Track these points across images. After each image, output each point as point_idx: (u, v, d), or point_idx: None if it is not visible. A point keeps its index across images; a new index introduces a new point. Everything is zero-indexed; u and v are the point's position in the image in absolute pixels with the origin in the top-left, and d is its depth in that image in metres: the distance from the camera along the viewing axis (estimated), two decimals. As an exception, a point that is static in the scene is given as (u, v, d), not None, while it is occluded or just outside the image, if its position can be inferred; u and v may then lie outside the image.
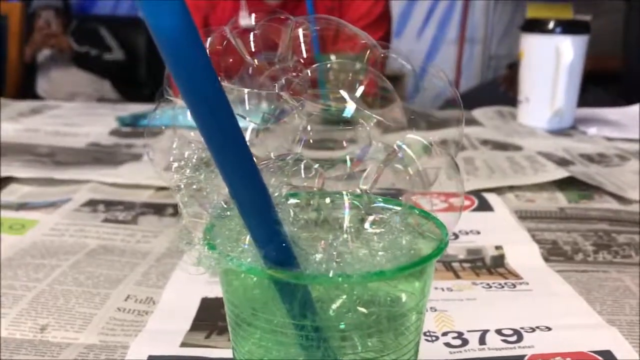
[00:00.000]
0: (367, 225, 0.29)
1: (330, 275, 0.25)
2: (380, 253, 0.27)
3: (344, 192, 0.31)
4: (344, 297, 0.27)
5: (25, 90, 2.41)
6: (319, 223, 0.29)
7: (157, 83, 0.28)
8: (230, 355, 0.32)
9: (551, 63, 1.06)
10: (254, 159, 0.24)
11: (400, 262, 0.27)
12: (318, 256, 0.26)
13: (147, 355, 0.42)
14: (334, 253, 0.27)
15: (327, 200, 0.31)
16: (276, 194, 0.28)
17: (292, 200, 0.29)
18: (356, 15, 1.45)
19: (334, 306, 0.27)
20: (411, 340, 0.29)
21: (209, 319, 0.47)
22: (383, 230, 0.29)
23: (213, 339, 0.44)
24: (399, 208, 0.30)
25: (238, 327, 0.29)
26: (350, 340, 0.28)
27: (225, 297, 0.30)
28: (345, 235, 0.28)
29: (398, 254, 0.28)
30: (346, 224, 0.29)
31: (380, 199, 0.31)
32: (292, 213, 0.28)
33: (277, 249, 0.25)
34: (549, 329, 0.45)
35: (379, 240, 0.29)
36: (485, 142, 0.98)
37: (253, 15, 0.31)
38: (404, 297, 0.29)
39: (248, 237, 0.27)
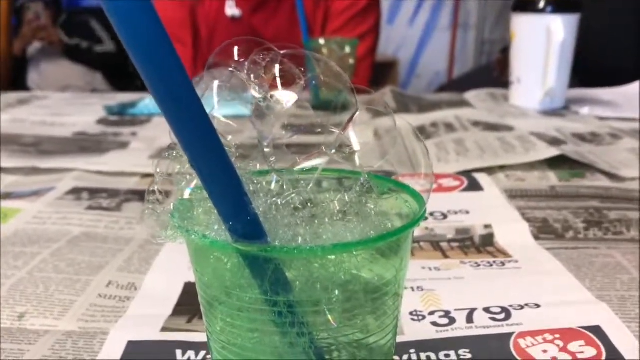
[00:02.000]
0: (339, 198, 0.28)
1: (300, 247, 0.24)
2: (352, 226, 0.26)
3: (320, 168, 0.30)
4: (320, 272, 0.26)
5: (17, 83, 2.40)
6: (291, 198, 0.28)
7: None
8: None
9: (542, 43, 1.05)
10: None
11: (374, 234, 0.26)
12: (288, 230, 0.25)
13: (127, 340, 0.41)
14: (306, 226, 0.26)
15: (302, 176, 0.30)
16: (244, 170, 0.27)
17: (260, 177, 0.28)
18: (342, 5, 1.41)
19: (309, 282, 0.26)
20: (389, 315, 0.28)
21: (191, 303, 0.46)
22: (356, 203, 0.28)
23: (195, 324, 0.43)
24: (373, 181, 0.29)
25: (210, 306, 0.28)
26: (326, 317, 0.27)
27: (197, 276, 0.29)
28: (317, 209, 0.27)
29: (372, 226, 0.27)
30: (317, 197, 0.28)
31: (355, 173, 0.30)
32: (261, 189, 0.27)
33: (244, 222, 0.24)
34: (538, 306, 0.44)
35: (352, 214, 0.28)
36: (476, 124, 0.96)
37: None
38: (381, 272, 0.28)
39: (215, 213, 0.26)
